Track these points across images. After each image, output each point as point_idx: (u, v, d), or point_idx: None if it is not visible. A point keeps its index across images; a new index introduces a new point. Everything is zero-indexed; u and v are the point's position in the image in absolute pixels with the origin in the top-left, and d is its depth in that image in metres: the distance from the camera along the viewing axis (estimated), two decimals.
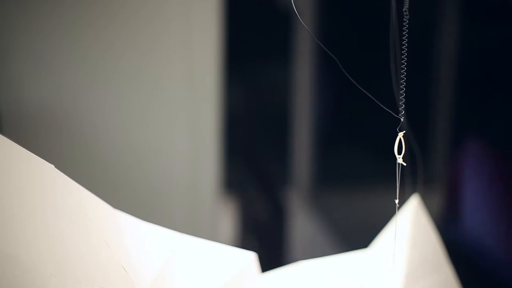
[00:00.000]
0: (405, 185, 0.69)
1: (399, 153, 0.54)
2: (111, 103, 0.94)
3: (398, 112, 0.54)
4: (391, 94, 0.57)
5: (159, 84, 0.95)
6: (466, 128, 1.03)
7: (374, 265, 0.66)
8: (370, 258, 0.67)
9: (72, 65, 0.91)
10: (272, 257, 1.27)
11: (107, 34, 0.91)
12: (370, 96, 0.54)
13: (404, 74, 0.54)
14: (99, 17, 0.91)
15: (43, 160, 0.50)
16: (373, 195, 1.17)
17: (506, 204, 0.92)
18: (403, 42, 0.55)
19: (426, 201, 0.70)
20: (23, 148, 0.50)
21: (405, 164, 0.55)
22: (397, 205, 0.56)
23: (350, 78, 0.54)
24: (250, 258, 0.60)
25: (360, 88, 0.54)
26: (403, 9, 0.56)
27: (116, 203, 0.57)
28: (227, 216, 1.28)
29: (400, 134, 0.54)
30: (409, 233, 0.65)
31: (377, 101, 0.54)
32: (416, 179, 0.70)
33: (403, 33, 0.56)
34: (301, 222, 1.25)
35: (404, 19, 0.56)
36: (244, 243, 1.29)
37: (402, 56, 0.55)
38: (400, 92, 0.54)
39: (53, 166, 0.51)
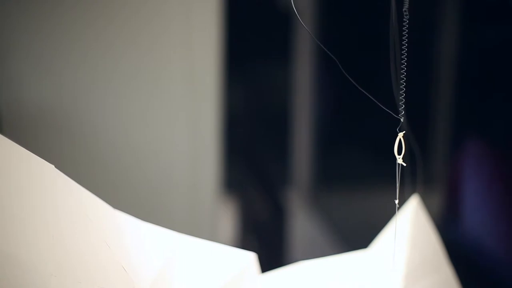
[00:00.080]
0: (405, 185, 0.69)
1: (399, 153, 0.54)
2: (111, 103, 0.94)
3: (398, 112, 0.54)
4: (391, 94, 0.57)
5: (159, 84, 0.95)
6: (466, 128, 1.03)
7: (374, 265, 0.66)
8: (370, 258, 0.67)
9: (72, 65, 0.91)
10: (272, 257, 1.27)
11: (107, 34, 0.91)
12: (370, 96, 0.54)
13: (404, 74, 0.54)
14: (99, 17, 0.91)
15: (43, 160, 0.50)
16: (373, 195, 1.17)
17: (506, 204, 0.92)
18: (403, 42, 0.55)
19: (426, 201, 0.70)
20: (23, 148, 0.50)
21: (405, 164, 0.55)
22: (397, 205, 0.56)
23: (350, 79, 0.54)
24: (250, 258, 0.60)
25: (360, 88, 0.54)
26: (403, 9, 0.56)
27: (116, 203, 0.57)
28: (227, 216, 1.28)
29: (400, 134, 0.54)
30: (409, 233, 0.65)
31: (377, 102, 0.54)
32: (416, 179, 0.70)
33: (403, 33, 0.56)
34: (301, 222, 1.25)
35: (404, 19, 0.56)
36: (244, 243, 1.29)
37: (402, 56, 0.55)
38: (400, 92, 0.54)
39: (53, 166, 0.51)
